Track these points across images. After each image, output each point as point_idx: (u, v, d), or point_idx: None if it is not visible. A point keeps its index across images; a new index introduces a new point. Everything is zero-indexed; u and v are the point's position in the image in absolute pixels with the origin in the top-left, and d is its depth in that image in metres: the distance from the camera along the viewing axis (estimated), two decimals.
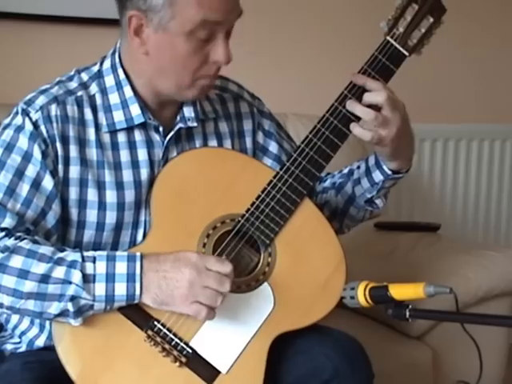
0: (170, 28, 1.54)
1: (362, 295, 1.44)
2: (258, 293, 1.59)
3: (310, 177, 1.63)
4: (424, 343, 2.31)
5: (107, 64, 1.66)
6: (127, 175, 1.63)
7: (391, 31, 1.63)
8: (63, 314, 1.49)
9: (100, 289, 1.49)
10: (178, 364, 1.53)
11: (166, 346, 1.53)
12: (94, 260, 1.50)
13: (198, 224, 1.60)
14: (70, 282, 1.48)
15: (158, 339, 1.53)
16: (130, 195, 1.63)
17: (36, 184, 1.56)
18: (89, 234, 1.61)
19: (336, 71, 2.73)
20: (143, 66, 1.61)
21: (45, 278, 1.48)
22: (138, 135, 1.65)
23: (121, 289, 1.49)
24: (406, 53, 1.64)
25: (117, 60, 1.65)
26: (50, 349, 1.59)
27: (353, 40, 3.03)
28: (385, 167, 1.68)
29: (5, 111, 1.66)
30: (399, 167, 1.69)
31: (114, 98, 1.64)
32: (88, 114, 1.62)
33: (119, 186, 1.62)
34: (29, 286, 1.48)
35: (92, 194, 1.60)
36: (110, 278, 1.49)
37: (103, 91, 1.64)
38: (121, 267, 1.50)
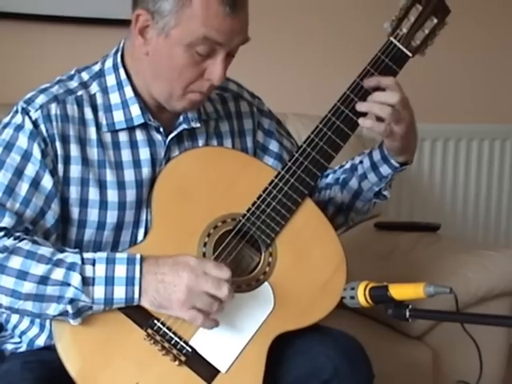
0: (172, 35, 1.54)
1: (362, 295, 1.44)
2: (258, 292, 1.59)
3: (312, 177, 1.63)
4: (424, 343, 2.31)
5: (109, 63, 1.66)
6: (129, 175, 1.62)
7: (395, 32, 1.63)
8: (62, 314, 1.49)
9: (99, 292, 1.49)
10: (177, 363, 1.53)
11: (166, 345, 1.53)
12: (93, 262, 1.50)
13: (199, 223, 1.60)
14: (69, 285, 1.47)
15: (158, 338, 1.53)
16: (131, 194, 1.62)
17: (35, 183, 1.56)
18: (89, 233, 1.61)
19: (337, 71, 2.73)
20: (143, 67, 1.61)
21: (44, 280, 1.48)
22: (140, 135, 1.64)
23: (120, 292, 1.49)
24: (410, 53, 1.64)
25: (119, 60, 1.65)
26: (50, 348, 1.59)
27: (353, 40, 3.03)
28: (393, 161, 1.70)
29: (5, 111, 1.65)
30: (406, 160, 1.72)
31: (114, 98, 1.64)
32: (88, 113, 1.62)
33: (120, 185, 1.62)
34: (27, 287, 1.48)
35: (93, 193, 1.60)
36: (109, 281, 1.49)
37: (104, 90, 1.64)
38: (120, 270, 1.49)
